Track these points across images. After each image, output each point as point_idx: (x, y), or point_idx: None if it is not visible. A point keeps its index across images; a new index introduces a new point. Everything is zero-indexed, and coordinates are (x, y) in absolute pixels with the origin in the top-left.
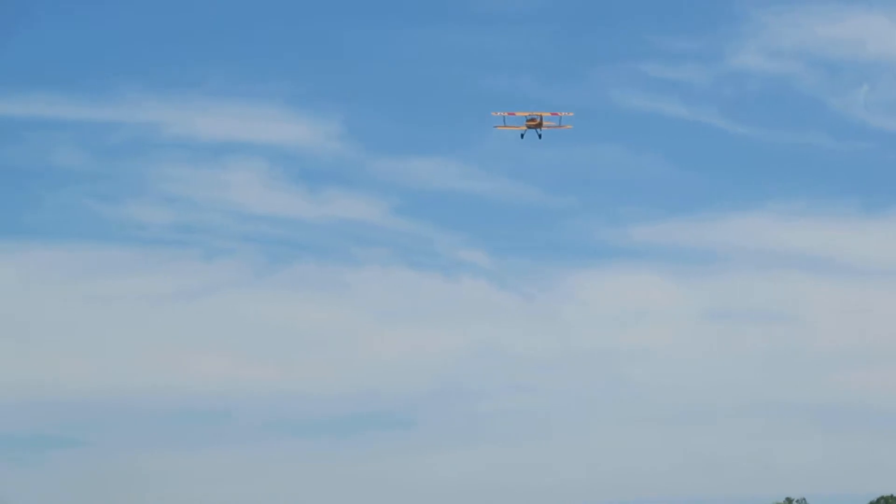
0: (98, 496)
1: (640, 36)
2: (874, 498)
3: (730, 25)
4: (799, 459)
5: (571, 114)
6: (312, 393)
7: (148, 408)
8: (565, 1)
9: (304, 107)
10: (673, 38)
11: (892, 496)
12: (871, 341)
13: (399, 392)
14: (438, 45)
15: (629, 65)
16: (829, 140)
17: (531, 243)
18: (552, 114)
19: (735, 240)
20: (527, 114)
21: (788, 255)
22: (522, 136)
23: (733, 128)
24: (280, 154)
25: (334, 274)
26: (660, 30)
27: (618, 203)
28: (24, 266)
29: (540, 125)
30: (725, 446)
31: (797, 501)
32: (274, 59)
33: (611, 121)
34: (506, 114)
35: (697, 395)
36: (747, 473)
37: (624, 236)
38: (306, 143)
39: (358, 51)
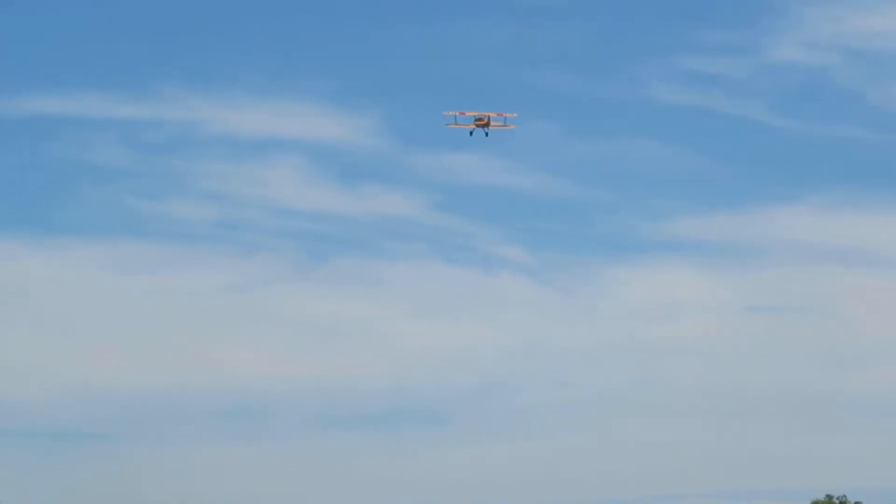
0: (138, 492)
1: (678, 30)
2: None
3: (769, 18)
4: (838, 454)
5: (515, 114)
6: (351, 388)
7: (188, 404)
8: None
9: (343, 103)
10: (712, 31)
11: None
12: None
13: (437, 387)
14: (477, 39)
15: (667, 59)
16: (868, 133)
17: (570, 238)
18: (498, 114)
19: (775, 233)
20: (475, 114)
21: (829, 249)
22: (471, 133)
23: (772, 121)
24: (319, 150)
25: (373, 269)
26: (698, 23)
27: (657, 197)
28: (64, 263)
29: (487, 124)
30: (765, 441)
31: (837, 498)
32: (312, 56)
33: (649, 115)
34: (457, 113)
35: (737, 389)
36: (786, 468)
37: (663, 231)
38: (345, 139)
39: (396, 46)
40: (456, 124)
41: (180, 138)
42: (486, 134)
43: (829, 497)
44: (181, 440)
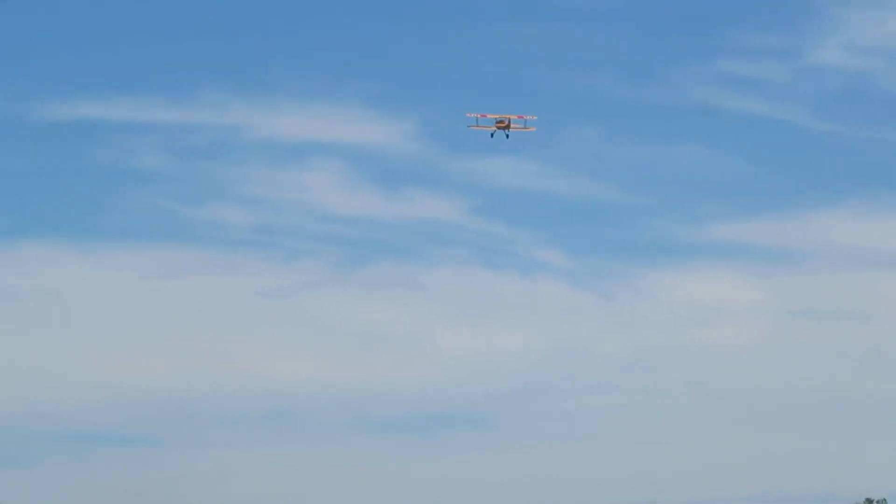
0: (175, 496)
1: (719, 33)
2: None
3: (810, 21)
4: (879, 458)
5: (535, 117)
6: (391, 392)
7: (227, 408)
8: None
9: (383, 107)
10: (753, 35)
11: None
12: None
13: (476, 391)
14: (517, 42)
15: (709, 62)
16: None
17: (609, 242)
18: (518, 116)
19: (817, 237)
20: (496, 116)
21: (870, 253)
22: (492, 135)
23: (814, 125)
24: (359, 154)
25: (412, 274)
26: (740, 27)
27: (698, 201)
28: (105, 267)
29: (508, 126)
30: (806, 445)
31: (877, 501)
32: (352, 60)
33: (690, 118)
34: (479, 115)
35: (778, 393)
36: (827, 472)
37: (704, 235)
38: (385, 144)
39: (436, 50)
40: (477, 126)
41: (221, 143)
42: (507, 136)
43: (870, 501)
44: (219, 445)
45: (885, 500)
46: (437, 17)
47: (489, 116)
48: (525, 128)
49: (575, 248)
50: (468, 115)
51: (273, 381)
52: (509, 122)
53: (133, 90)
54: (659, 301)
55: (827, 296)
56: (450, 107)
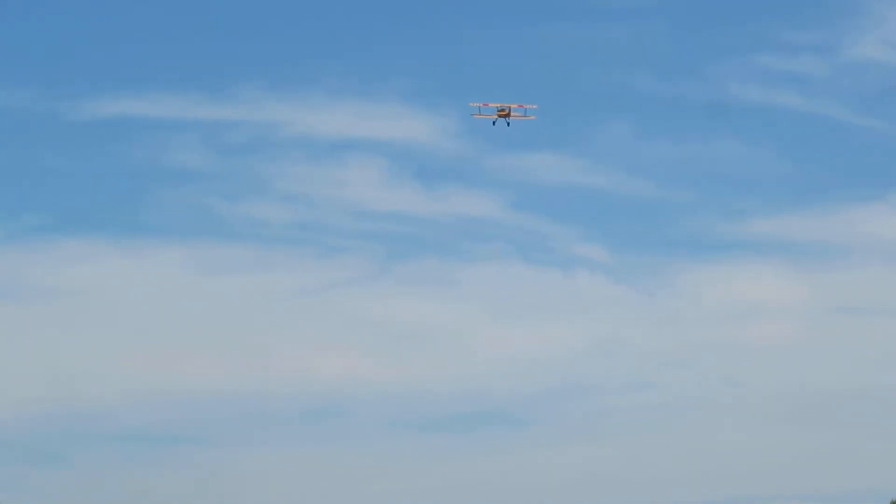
0: (219, 495)
1: (756, 28)
2: None
3: (848, 17)
4: None
5: (535, 106)
6: (431, 389)
7: (267, 406)
8: None
9: (422, 103)
10: (790, 30)
11: None
12: None
13: (516, 389)
14: (553, 39)
15: (746, 57)
16: None
17: (649, 238)
18: (518, 105)
19: (857, 233)
20: (498, 105)
21: None
22: (494, 123)
23: (852, 120)
24: (397, 151)
25: (451, 271)
26: (777, 22)
27: (736, 197)
28: (144, 264)
29: (508, 115)
30: (847, 442)
31: None
32: (390, 56)
33: (728, 114)
34: (481, 104)
35: (818, 390)
36: (868, 469)
37: (743, 231)
38: (423, 140)
39: (475, 46)
40: (480, 114)
41: (260, 140)
42: (508, 124)
43: None
44: (259, 443)
45: None
46: (477, 14)
47: (491, 105)
48: (525, 116)
49: (614, 244)
50: (471, 104)
51: (312, 379)
52: (510, 110)
53: (171, 87)
54: (699, 297)
55: (868, 292)
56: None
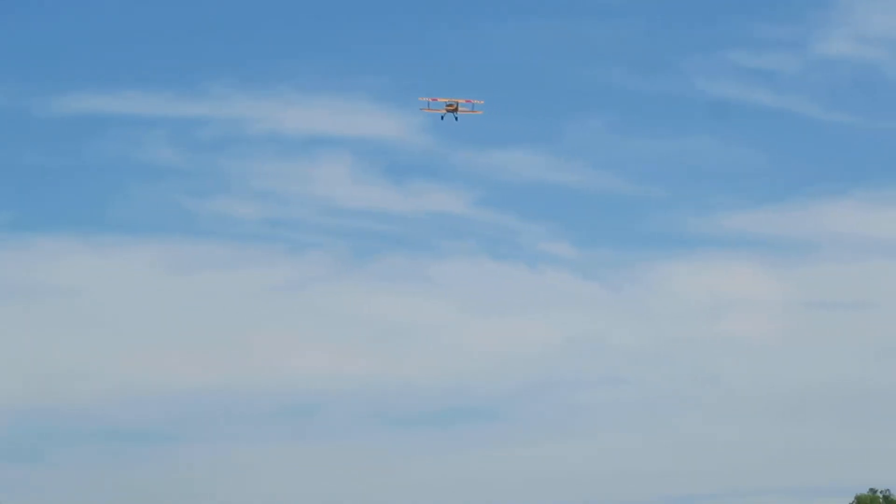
0: (193, 491)
1: (727, 24)
2: None
3: (818, 12)
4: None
5: (482, 101)
6: (402, 385)
7: (239, 403)
8: None
9: (390, 100)
10: (761, 25)
11: None
12: None
13: (487, 384)
14: (525, 36)
15: (717, 53)
16: None
17: (618, 234)
18: (466, 101)
19: (826, 228)
20: (446, 100)
21: (880, 243)
22: (442, 117)
23: (822, 115)
24: (367, 147)
25: (420, 267)
26: (748, 18)
27: (706, 192)
28: (114, 261)
29: (456, 109)
30: (816, 436)
31: (881, 492)
32: (360, 54)
33: (699, 109)
34: (430, 99)
35: (788, 385)
36: (834, 463)
37: (713, 225)
38: (392, 136)
39: (443, 43)
40: (429, 109)
41: (229, 136)
42: (456, 118)
43: (873, 491)
44: (234, 439)
45: (888, 490)
46: (447, 11)
47: (439, 100)
48: (473, 111)
49: (584, 240)
50: (420, 98)
51: (285, 375)
52: (457, 105)
53: (140, 84)
54: (669, 293)
55: (837, 286)
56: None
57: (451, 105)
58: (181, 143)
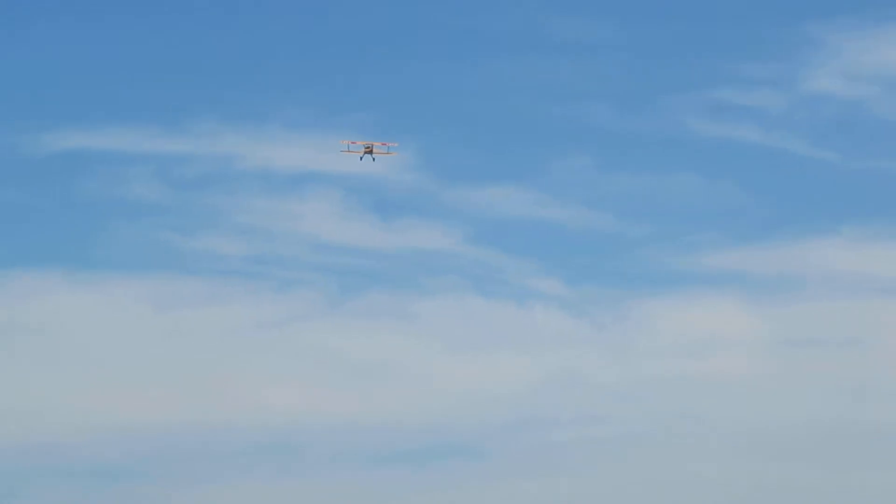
0: None
1: (713, 62)
2: None
3: (804, 50)
4: (879, 490)
5: (396, 143)
6: (386, 423)
7: (223, 441)
8: (637, 28)
9: (378, 136)
10: (746, 63)
11: None
12: None
13: (472, 422)
14: (511, 73)
15: (702, 91)
16: None
17: (605, 271)
18: (381, 143)
19: (812, 266)
20: (364, 142)
21: (866, 281)
22: (361, 158)
23: (809, 153)
24: (355, 184)
25: (407, 304)
26: (733, 56)
27: (692, 230)
28: (98, 299)
29: (372, 151)
30: (803, 477)
31: None
32: (348, 91)
33: (684, 148)
34: (350, 142)
35: (774, 424)
36: (818, 503)
37: (699, 264)
38: (380, 173)
39: (431, 80)
40: (349, 151)
41: (215, 173)
42: (373, 159)
43: None
44: (214, 478)
45: None
46: (434, 48)
47: (358, 143)
48: (388, 153)
49: (571, 278)
50: (341, 141)
51: (267, 413)
52: (373, 147)
53: (124, 120)
54: (655, 331)
55: (823, 324)
56: (446, 137)
57: (367, 147)
58: (166, 180)
